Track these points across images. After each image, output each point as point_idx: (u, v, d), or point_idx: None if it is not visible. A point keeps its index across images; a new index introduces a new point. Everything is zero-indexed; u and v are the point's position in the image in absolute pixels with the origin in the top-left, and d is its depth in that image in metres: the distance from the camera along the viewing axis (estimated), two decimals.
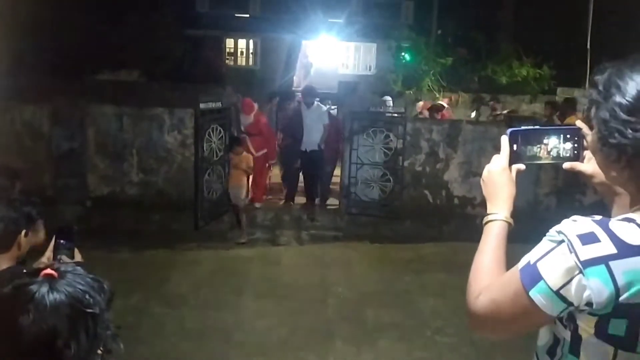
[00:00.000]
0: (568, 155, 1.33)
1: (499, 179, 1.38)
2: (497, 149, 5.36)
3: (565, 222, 1.19)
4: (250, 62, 23.71)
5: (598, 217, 1.18)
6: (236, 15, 22.58)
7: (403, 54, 17.08)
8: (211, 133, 7.82)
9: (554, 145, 1.32)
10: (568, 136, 1.32)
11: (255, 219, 8.02)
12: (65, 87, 10.62)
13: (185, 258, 6.95)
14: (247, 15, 22.72)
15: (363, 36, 21.71)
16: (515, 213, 1.37)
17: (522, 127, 1.35)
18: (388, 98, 11.38)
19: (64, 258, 2.18)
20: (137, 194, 7.82)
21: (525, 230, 1.97)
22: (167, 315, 5.40)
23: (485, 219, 1.37)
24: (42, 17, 12.16)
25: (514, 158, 1.36)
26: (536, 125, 1.39)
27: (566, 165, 1.35)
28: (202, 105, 7.49)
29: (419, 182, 8.15)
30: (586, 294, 1.11)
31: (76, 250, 2.29)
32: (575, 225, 1.17)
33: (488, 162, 5.67)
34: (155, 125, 7.82)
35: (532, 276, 1.17)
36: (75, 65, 13.96)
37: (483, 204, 1.40)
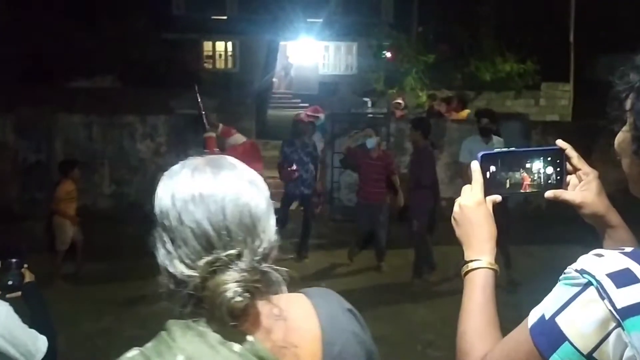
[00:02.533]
0: (550, 181, 1.10)
1: (474, 216, 1.12)
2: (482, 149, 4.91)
3: (586, 258, 0.88)
4: (229, 65, 23.32)
5: (629, 249, 0.88)
6: (213, 17, 22.18)
7: (384, 52, 16.87)
8: (188, 139, 7.47)
9: (537, 170, 1.10)
10: (549, 159, 1.10)
11: None
12: (34, 96, 10.17)
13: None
14: (225, 17, 22.33)
15: (343, 36, 21.45)
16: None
17: (496, 150, 1.12)
18: (367, 99, 11.13)
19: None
20: (110, 207, 7.44)
21: (515, 232, 1.66)
22: (140, 339, 5.03)
23: (465, 268, 1.11)
24: (7, 21, 11.68)
25: (489, 188, 1.10)
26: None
27: (549, 194, 1.10)
28: (181, 112, 7.17)
29: (405, 183, 7.87)
30: (628, 353, 0.81)
31: (26, 271, 2.16)
32: (602, 261, 0.86)
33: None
34: (126, 133, 7.45)
35: (551, 337, 0.86)
36: (45, 72, 13.47)
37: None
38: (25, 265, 2.17)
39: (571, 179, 1.12)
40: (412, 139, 6.45)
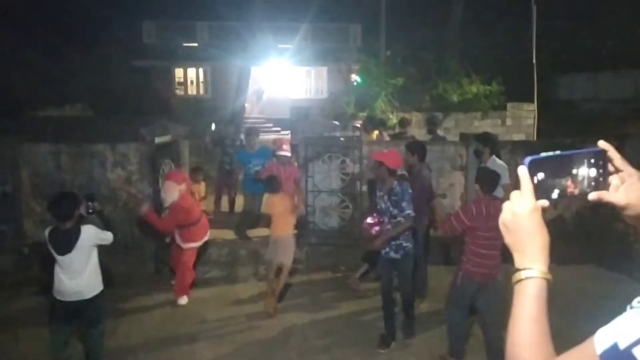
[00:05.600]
0: (593, 184, 1.08)
1: (528, 224, 1.07)
2: (455, 168, 5.06)
3: None
4: (201, 91, 23.32)
5: None
6: (184, 44, 22.23)
7: (353, 76, 17.10)
8: (164, 168, 7.42)
9: (583, 174, 1.07)
10: (592, 161, 1.07)
11: (210, 257, 7.55)
12: (0, 125, 9.97)
13: (135, 304, 6.44)
14: (196, 44, 22.40)
15: (313, 60, 21.72)
16: None
17: (543, 155, 1.07)
18: (336, 123, 11.22)
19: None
20: None
21: None
22: None
23: (517, 276, 1.07)
24: None
25: (538, 194, 1.07)
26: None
27: (592, 195, 1.08)
28: (152, 139, 7.11)
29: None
30: None
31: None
32: None
33: (448, 182, 5.30)
34: (96, 162, 7.34)
35: None
36: (12, 101, 13.23)
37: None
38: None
39: (613, 180, 1.09)
40: (408, 163, 6.09)
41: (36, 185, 7.31)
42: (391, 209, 5.18)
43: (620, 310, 0.95)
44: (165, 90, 21.04)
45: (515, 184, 1.09)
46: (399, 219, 5.13)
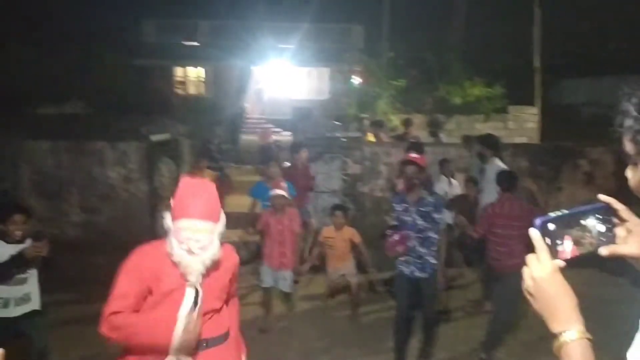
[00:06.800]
0: (603, 239, 1.08)
1: (552, 287, 1.06)
2: (457, 170, 5.01)
3: None
4: (201, 91, 23.25)
5: None
6: (184, 43, 22.17)
7: (355, 77, 17.05)
8: (162, 166, 7.37)
9: (591, 230, 1.07)
10: (598, 216, 1.07)
11: None
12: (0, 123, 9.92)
13: None
14: (197, 44, 22.35)
15: (315, 61, 21.66)
16: None
17: (552, 215, 1.06)
18: (337, 123, 11.17)
19: None
20: (79, 236, 7.22)
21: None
22: None
23: (558, 342, 1.05)
24: None
25: (554, 255, 1.06)
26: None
27: (603, 251, 1.07)
28: (152, 138, 7.06)
29: (380, 208, 7.86)
30: None
31: None
32: None
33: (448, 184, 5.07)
34: (96, 160, 7.29)
35: None
36: (12, 99, 13.18)
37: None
38: None
39: (619, 231, 1.09)
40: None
41: (36, 183, 7.26)
42: (419, 221, 4.54)
43: (622, 313, 0.93)
44: (166, 89, 20.99)
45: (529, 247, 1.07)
46: (428, 234, 4.53)
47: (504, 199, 4.99)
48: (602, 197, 1.10)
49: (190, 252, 2.29)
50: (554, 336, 1.06)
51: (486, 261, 5.30)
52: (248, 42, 19.50)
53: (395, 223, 4.69)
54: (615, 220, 1.09)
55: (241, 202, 8.68)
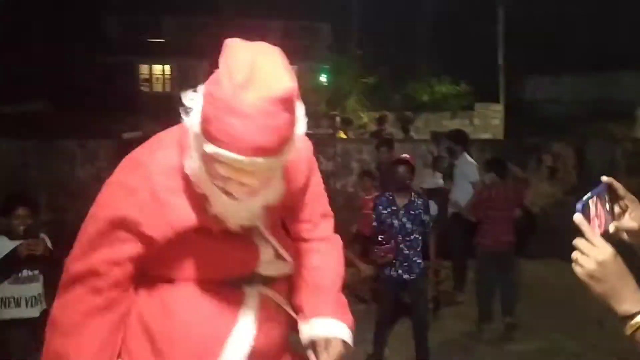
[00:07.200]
0: (610, 217, 1.15)
1: (618, 268, 1.06)
2: (426, 166, 5.08)
3: None
4: (168, 88, 22.92)
5: None
6: (149, 40, 21.80)
7: (324, 75, 17.12)
8: None
9: (605, 209, 1.14)
10: (604, 196, 1.14)
11: None
12: None
13: None
14: (162, 40, 22.01)
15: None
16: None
17: (585, 198, 1.11)
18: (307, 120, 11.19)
19: None
20: (48, 235, 7.05)
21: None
22: None
23: (631, 325, 1.04)
24: None
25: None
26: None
27: (612, 227, 1.13)
28: (125, 136, 6.95)
29: (353, 205, 7.94)
30: None
31: None
32: None
33: (420, 180, 5.17)
34: (64, 158, 7.13)
35: None
36: None
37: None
38: None
39: (617, 208, 1.17)
40: (382, 160, 6.28)
41: (1, 183, 7.05)
42: (407, 225, 4.39)
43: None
44: (130, 86, 20.63)
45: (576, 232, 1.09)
46: (414, 235, 4.40)
47: (497, 183, 5.33)
48: (605, 178, 1.15)
49: (229, 194, 1.29)
50: (625, 318, 1.05)
51: (464, 249, 5.72)
52: (214, 38, 19.31)
53: (374, 224, 4.55)
54: (614, 198, 1.16)
55: None
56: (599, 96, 16.29)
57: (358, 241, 6.46)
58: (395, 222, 4.40)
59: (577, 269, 1.07)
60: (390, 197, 4.47)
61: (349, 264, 5.97)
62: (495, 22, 13.31)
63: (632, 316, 1.03)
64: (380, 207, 4.48)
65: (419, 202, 4.46)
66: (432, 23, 16.79)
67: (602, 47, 16.21)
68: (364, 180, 6.38)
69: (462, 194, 5.85)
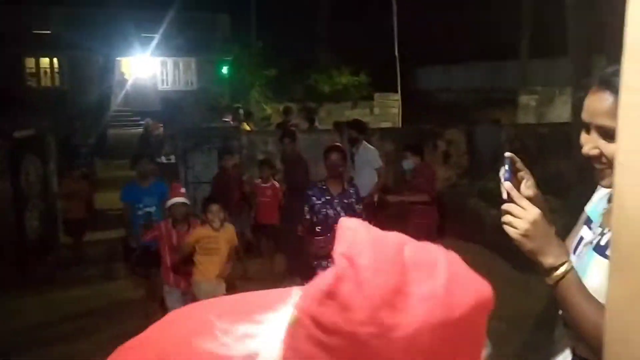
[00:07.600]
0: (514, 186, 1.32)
1: (546, 227, 1.19)
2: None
3: None
4: (56, 82, 21.52)
5: None
6: (35, 31, 20.32)
7: (224, 67, 16.94)
8: (27, 165, 6.85)
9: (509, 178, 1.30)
10: (508, 168, 1.30)
11: (87, 255, 7.15)
12: None
13: (2, 309, 5.90)
14: (49, 32, 20.59)
15: (181, 51, 21.08)
16: None
17: (506, 168, 1.27)
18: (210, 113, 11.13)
19: None
20: None
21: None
22: None
23: (556, 275, 1.18)
24: None
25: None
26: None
27: (515, 194, 1.26)
28: (15, 134, 6.53)
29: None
30: None
31: None
32: None
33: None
34: None
35: None
36: None
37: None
38: None
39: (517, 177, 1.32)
40: (289, 149, 6.51)
41: None
42: (342, 214, 4.08)
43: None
44: (14, 80, 19.17)
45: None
46: None
47: (424, 164, 5.93)
48: (508, 154, 1.30)
49: None
50: (549, 271, 1.18)
51: None
52: (107, 30, 18.43)
53: (307, 217, 4.32)
54: (514, 171, 1.32)
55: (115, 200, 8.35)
56: (485, 84, 17.57)
57: (258, 230, 6.60)
58: (330, 211, 4.22)
59: (510, 230, 1.20)
60: (324, 187, 4.29)
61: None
62: (391, 14, 13.84)
63: (556, 267, 1.18)
64: (314, 198, 4.27)
65: (352, 190, 4.34)
66: (330, 14, 17.15)
67: (487, 39, 17.44)
68: (263, 168, 6.58)
69: (364, 180, 6.13)
